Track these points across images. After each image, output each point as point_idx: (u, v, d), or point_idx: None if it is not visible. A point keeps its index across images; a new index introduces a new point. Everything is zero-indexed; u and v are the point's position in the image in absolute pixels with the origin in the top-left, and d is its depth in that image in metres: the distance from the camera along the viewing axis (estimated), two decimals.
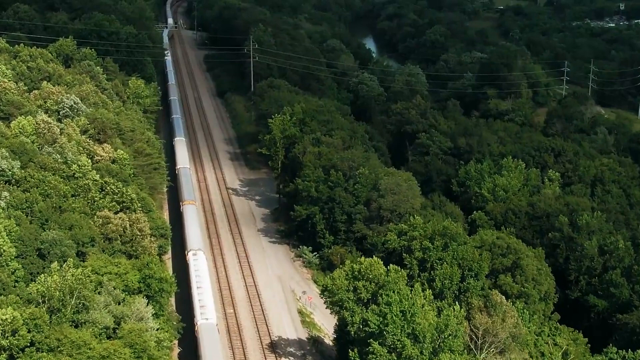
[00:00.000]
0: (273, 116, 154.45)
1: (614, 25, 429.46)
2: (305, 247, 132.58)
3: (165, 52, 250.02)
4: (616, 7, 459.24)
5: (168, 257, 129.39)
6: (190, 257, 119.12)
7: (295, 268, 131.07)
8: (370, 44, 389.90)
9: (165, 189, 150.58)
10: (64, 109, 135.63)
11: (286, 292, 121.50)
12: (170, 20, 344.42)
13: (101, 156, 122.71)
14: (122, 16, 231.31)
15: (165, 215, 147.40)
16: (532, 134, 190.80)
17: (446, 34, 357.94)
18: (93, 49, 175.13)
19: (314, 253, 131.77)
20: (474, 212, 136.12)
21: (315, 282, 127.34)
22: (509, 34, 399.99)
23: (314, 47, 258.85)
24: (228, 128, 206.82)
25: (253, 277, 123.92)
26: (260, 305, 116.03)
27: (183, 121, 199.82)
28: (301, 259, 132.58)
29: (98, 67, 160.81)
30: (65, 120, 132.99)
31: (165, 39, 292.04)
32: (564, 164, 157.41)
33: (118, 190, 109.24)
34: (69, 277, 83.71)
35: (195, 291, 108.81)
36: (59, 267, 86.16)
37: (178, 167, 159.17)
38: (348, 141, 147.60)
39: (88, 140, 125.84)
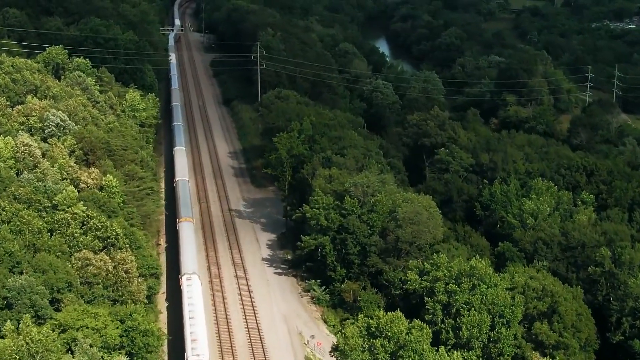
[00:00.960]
0: (278, 134, 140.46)
1: (634, 26, 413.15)
2: (314, 281, 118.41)
3: (170, 59, 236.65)
4: (636, 7, 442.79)
5: (163, 292, 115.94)
6: (184, 282, 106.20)
7: (303, 305, 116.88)
8: (383, 46, 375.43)
9: (162, 212, 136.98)
10: (49, 127, 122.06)
11: (292, 335, 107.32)
12: (177, 22, 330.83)
13: (87, 183, 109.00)
14: (124, 20, 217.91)
15: (162, 240, 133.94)
16: (559, 148, 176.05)
17: (462, 37, 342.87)
18: (87, 58, 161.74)
19: (324, 287, 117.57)
20: (501, 243, 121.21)
21: (325, 321, 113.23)
22: (527, 36, 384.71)
23: (326, 52, 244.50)
24: (233, 139, 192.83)
25: (255, 317, 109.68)
26: (263, 351, 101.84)
27: (185, 129, 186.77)
28: (309, 293, 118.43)
29: (90, 78, 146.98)
30: (50, 139, 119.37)
31: (171, 41, 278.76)
32: (597, 184, 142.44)
33: (102, 226, 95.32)
34: (25, 340, 69.92)
35: (187, 322, 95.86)
36: (14, 327, 72.43)
37: (176, 179, 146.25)
38: (361, 160, 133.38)
39: (73, 164, 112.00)
